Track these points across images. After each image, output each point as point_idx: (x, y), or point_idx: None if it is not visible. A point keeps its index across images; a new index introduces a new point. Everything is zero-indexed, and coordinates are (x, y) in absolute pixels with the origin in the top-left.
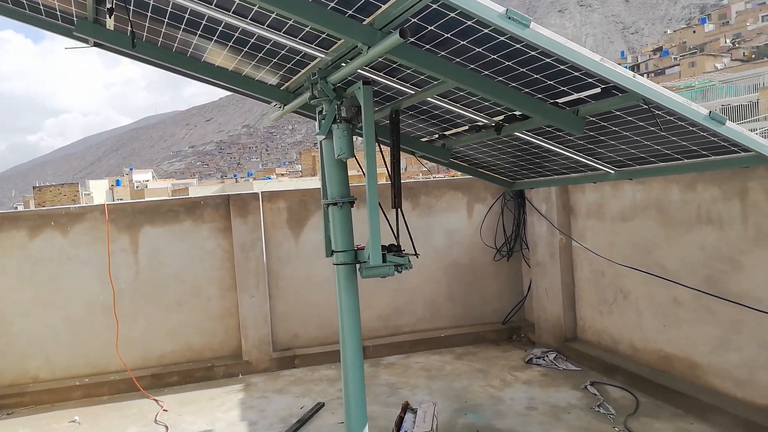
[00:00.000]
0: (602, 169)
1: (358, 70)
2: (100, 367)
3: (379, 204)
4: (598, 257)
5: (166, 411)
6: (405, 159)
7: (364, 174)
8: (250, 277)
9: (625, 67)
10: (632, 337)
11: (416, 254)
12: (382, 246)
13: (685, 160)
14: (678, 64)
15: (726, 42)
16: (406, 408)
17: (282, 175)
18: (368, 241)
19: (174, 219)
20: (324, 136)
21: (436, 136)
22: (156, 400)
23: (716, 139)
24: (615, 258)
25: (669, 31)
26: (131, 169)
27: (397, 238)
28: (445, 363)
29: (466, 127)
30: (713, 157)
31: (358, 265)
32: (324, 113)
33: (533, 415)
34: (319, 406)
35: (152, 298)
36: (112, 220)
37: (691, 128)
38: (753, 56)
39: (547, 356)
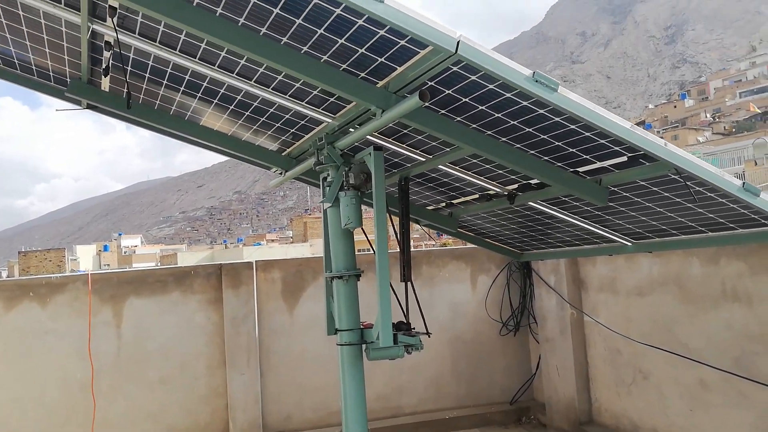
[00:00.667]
0: (618, 241)
1: (367, 136)
2: None
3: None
4: (613, 334)
5: None
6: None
7: (372, 248)
8: (240, 353)
9: None
10: (655, 422)
11: (428, 333)
12: (395, 324)
13: (710, 233)
14: (662, 137)
15: (706, 116)
16: None
17: (272, 240)
18: (377, 319)
19: (162, 290)
20: (330, 204)
21: (443, 204)
22: None
23: (747, 211)
24: (632, 335)
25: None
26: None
27: (406, 315)
28: None
29: (476, 196)
30: (741, 230)
31: (364, 345)
32: (330, 180)
33: None
34: None
35: (134, 375)
36: (95, 290)
37: (721, 200)
38: (733, 130)
39: None
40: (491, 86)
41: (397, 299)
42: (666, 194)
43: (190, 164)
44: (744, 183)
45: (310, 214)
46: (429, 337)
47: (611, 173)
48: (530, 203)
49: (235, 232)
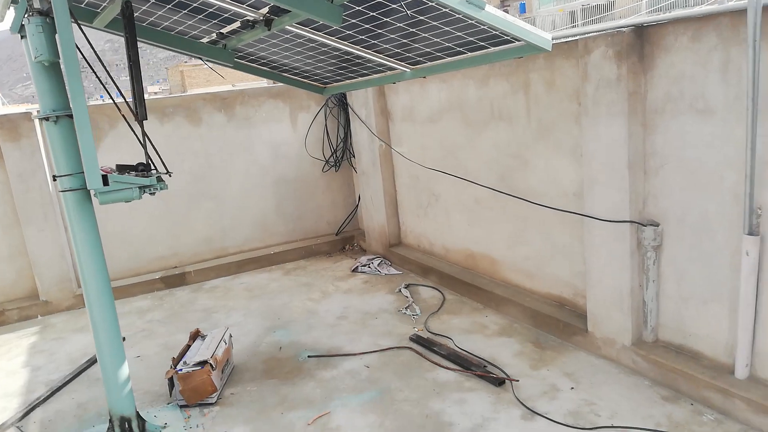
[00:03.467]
0: (398, 68)
1: None
2: None
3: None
4: (419, 161)
5: None
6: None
7: (107, 92)
8: (35, 208)
9: None
10: (444, 238)
11: (168, 173)
12: (128, 166)
13: (469, 54)
14: None
15: None
16: (195, 336)
17: (155, 93)
18: (83, 162)
19: None
20: (18, 33)
21: (215, 35)
22: None
23: (486, 27)
24: (427, 161)
25: None
26: None
27: (147, 155)
28: (271, 280)
29: (238, 24)
30: (492, 48)
31: (93, 191)
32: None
33: (342, 324)
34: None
35: None
36: None
37: (456, 15)
38: None
39: (372, 263)
40: None
41: (139, 141)
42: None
43: None
44: None
45: (186, 62)
46: (170, 176)
47: None
48: (298, 31)
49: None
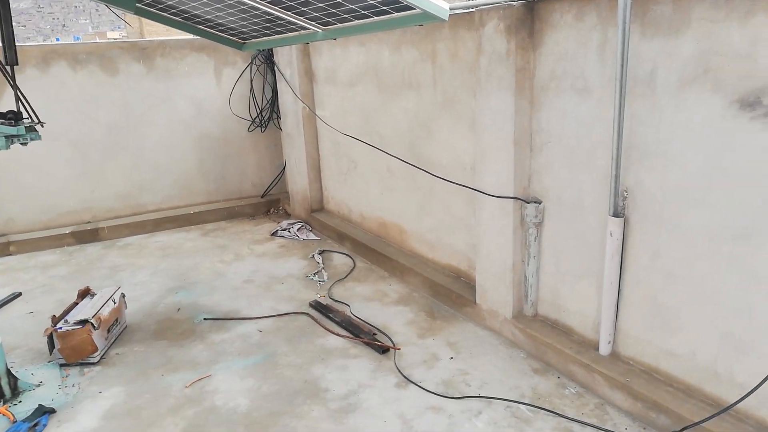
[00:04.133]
0: (311, 28)
1: None
2: None
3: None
4: (339, 125)
5: None
6: None
7: None
8: None
9: None
10: (361, 206)
11: (40, 123)
12: None
13: (375, 18)
14: None
15: None
16: (84, 294)
17: (116, 39)
18: None
19: None
20: None
21: None
22: None
23: None
24: (347, 126)
25: None
26: None
27: (23, 103)
28: (187, 240)
29: None
30: (396, 14)
31: None
32: None
33: (247, 288)
34: (14, 296)
35: None
36: None
37: None
38: None
39: (292, 227)
40: None
41: (14, 89)
42: None
43: None
44: None
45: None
46: (42, 126)
47: None
48: None
49: (72, 29)
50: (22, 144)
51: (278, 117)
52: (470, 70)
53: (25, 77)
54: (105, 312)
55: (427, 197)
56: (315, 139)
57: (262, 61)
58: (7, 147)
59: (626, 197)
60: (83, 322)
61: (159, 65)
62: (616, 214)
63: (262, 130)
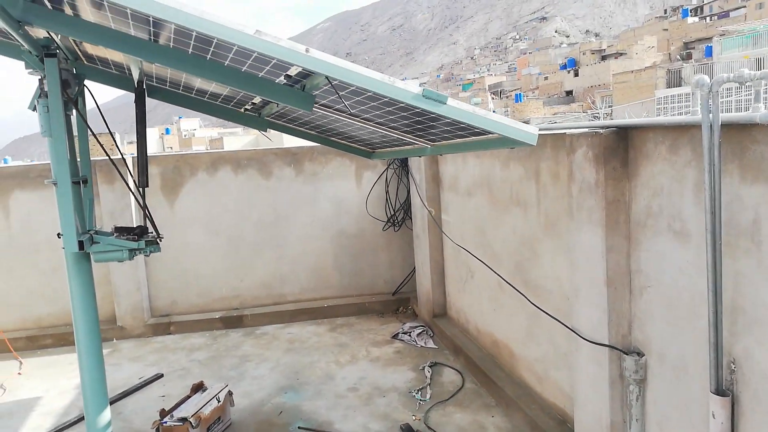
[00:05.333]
0: (420, 144)
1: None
2: None
3: (126, 182)
4: (455, 232)
5: (20, 374)
6: None
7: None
8: None
9: (685, 10)
10: (477, 318)
11: (159, 237)
12: (127, 228)
13: (473, 138)
14: (744, 6)
15: None
16: (197, 389)
17: (194, 129)
18: (61, 227)
19: (44, 184)
20: (33, 111)
21: (249, 106)
22: (21, 362)
23: (450, 118)
24: (465, 234)
25: None
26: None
27: (145, 219)
28: (314, 335)
29: (249, 106)
30: (491, 135)
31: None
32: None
33: (348, 397)
34: (156, 378)
35: (27, 262)
36: None
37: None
38: None
39: (412, 332)
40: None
41: (141, 205)
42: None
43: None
44: (424, 90)
45: None
46: (160, 241)
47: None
48: (323, 111)
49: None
50: (146, 255)
51: (410, 218)
52: (569, 195)
53: (197, 181)
54: (207, 411)
55: (534, 322)
56: (440, 243)
57: (398, 165)
58: (131, 258)
59: (734, 371)
60: (184, 419)
61: (307, 169)
62: (719, 391)
63: (396, 229)
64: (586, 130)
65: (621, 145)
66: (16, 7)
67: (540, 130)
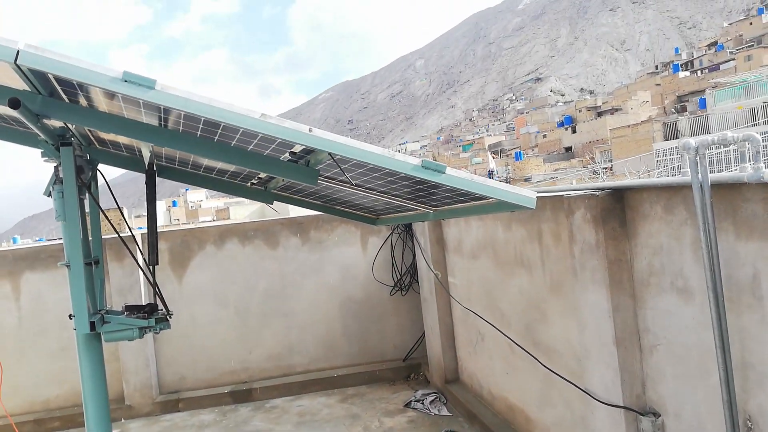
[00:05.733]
0: (421, 209)
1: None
2: None
3: (135, 259)
4: (463, 294)
5: None
6: None
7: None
8: None
9: (676, 66)
10: (489, 382)
11: (168, 313)
12: (137, 306)
13: (473, 202)
14: (733, 59)
15: None
16: None
17: (200, 201)
18: (73, 307)
19: (54, 265)
20: (48, 196)
21: (255, 181)
22: None
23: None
24: (472, 297)
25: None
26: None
27: (155, 296)
28: (326, 406)
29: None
30: (490, 199)
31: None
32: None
33: None
34: None
35: (37, 344)
36: None
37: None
38: None
39: (425, 399)
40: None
41: (150, 282)
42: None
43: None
44: (423, 161)
45: None
46: (170, 318)
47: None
48: (328, 183)
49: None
50: (155, 333)
51: (417, 282)
52: (572, 255)
53: (205, 254)
54: None
55: (547, 385)
56: (448, 306)
57: (403, 229)
58: (141, 336)
59: (750, 428)
60: None
61: (312, 237)
62: None
63: (403, 293)
64: (583, 192)
65: (618, 206)
66: (35, 103)
67: (537, 193)
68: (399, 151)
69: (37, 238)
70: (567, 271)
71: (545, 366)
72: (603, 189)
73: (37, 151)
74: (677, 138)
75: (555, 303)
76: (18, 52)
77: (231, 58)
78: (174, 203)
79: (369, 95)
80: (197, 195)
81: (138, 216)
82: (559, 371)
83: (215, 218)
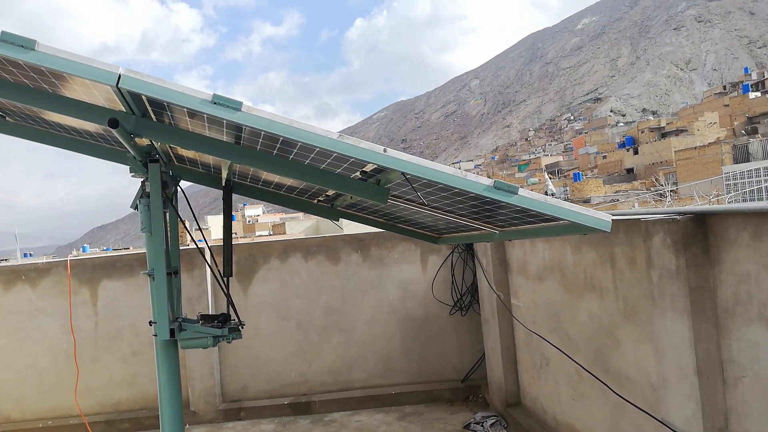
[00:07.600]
0: (487, 229)
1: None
2: (62, 411)
3: (211, 270)
4: (527, 316)
5: None
6: None
7: (196, 243)
8: None
9: (746, 86)
10: (554, 408)
11: (241, 323)
12: (212, 316)
13: (544, 223)
14: None
15: None
16: None
17: (258, 215)
18: (154, 315)
19: (129, 273)
20: (134, 209)
21: (322, 198)
22: None
23: (522, 206)
24: (537, 320)
25: None
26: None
27: (229, 307)
28: (383, 424)
29: (323, 197)
30: (562, 221)
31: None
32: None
33: None
34: None
35: (110, 348)
36: (74, 274)
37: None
38: None
39: (485, 423)
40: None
41: (224, 293)
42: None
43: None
44: (495, 182)
45: None
46: (242, 328)
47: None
48: (395, 201)
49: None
50: (228, 342)
51: (477, 302)
52: (649, 281)
53: (269, 267)
54: None
55: (618, 413)
56: (510, 328)
57: (464, 248)
58: (215, 344)
59: None
60: None
61: (373, 254)
62: None
63: (463, 314)
64: (662, 216)
65: (700, 232)
66: (129, 122)
67: (613, 216)
68: None
69: (105, 248)
70: (643, 297)
71: (617, 394)
72: (684, 213)
73: (105, 166)
74: (748, 161)
75: (628, 329)
76: (120, 76)
77: (289, 79)
78: (233, 217)
79: (423, 115)
80: (255, 210)
81: (197, 229)
82: (632, 399)
83: (272, 232)
